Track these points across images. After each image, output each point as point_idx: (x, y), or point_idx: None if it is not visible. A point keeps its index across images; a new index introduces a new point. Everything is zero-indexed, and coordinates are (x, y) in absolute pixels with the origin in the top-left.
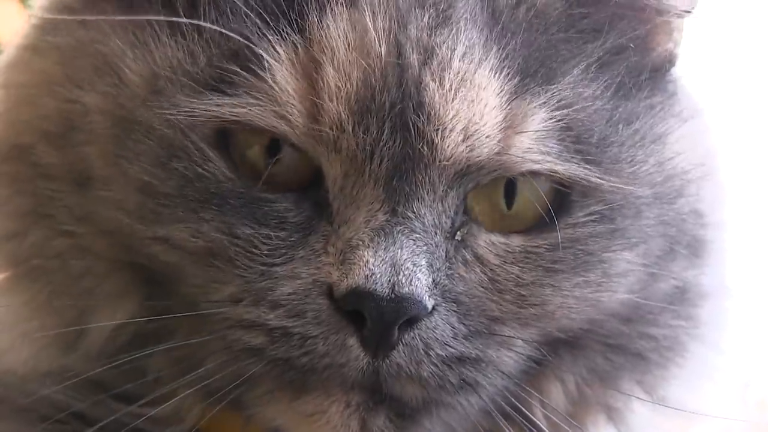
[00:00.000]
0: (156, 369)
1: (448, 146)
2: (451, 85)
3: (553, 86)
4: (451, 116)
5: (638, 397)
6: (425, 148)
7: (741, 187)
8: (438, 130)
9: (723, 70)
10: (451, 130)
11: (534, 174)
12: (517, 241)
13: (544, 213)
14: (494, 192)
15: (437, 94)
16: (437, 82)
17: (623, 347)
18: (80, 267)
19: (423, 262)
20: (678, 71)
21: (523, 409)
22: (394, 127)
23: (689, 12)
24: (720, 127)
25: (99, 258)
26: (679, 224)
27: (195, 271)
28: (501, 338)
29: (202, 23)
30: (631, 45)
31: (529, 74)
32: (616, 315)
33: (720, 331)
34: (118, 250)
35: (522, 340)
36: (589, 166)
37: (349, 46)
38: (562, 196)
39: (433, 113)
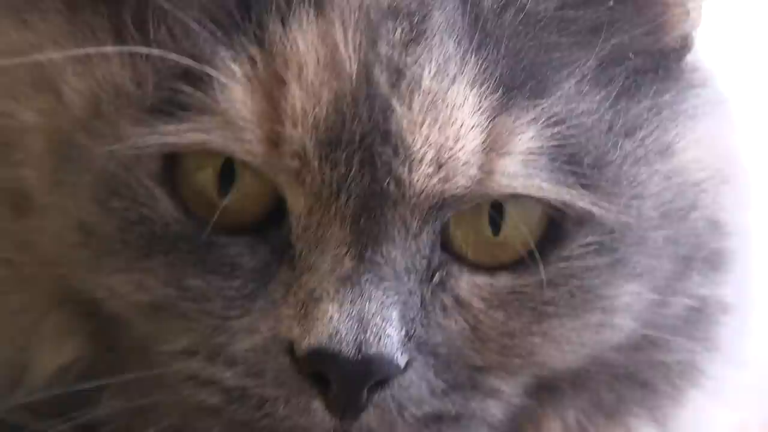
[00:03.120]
0: (109, 398)
1: (417, 180)
2: (420, 109)
3: (543, 100)
4: (419, 145)
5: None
6: (392, 185)
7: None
8: (405, 162)
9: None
10: (420, 161)
11: (522, 196)
12: (503, 280)
13: (535, 243)
14: (478, 216)
15: (405, 121)
16: (405, 107)
17: (631, 377)
18: (19, 301)
19: (394, 315)
20: (697, 54)
21: None
22: (363, 162)
23: None
24: (746, 118)
25: (40, 291)
26: (693, 240)
27: (143, 321)
28: (486, 389)
29: (131, 48)
30: (636, 40)
31: (516, 87)
32: (621, 347)
33: (743, 345)
34: (61, 283)
35: (511, 389)
36: (584, 191)
37: (319, 62)
38: (555, 225)
39: (399, 143)
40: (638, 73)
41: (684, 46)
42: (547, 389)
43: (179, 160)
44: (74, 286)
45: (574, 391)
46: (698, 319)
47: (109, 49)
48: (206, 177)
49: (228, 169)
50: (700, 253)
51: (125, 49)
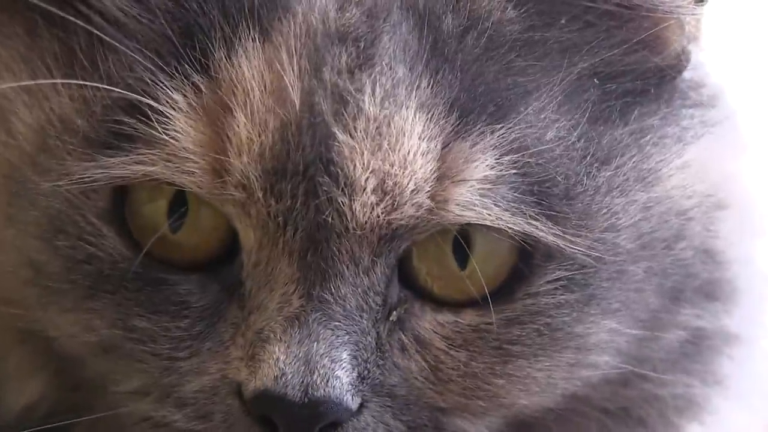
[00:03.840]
0: None
1: (359, 210)
2: (362, 136)
3: (502, 125)
4: (359, 173)
5: None
6: (334, 215)
7: None
8: (345, 191)
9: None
10: (361, 190)
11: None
12: (468, 318)
13: (501, 278)
14: (442, 248)
15: (345, 148)
16: (347, 134)
17: (622, 413)
18: None
19: (344, 356)
20: (702, 69)
21: None
22: (307, 193)
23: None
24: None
25: (1, 328)
26: (681, 271)
27: (95, 361)
28: (450, 431)
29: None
30: (615, 61)
31: (474, 111)
32: (604, 383)
33: (751, 380)
34: (20, 319)
35: (478, 430)
36: (550, 223)
37: (265, 89)
38: (523, 260)
39: (340, 172)
40: (616, 96)
41: (678, 62)
42: (527, 428)
43: (128, 194)
44: (32, 323)
45: (559, 428)
46: (695, 352)
47: (46, 82)
48: (156, 210)
49: (181, 203)
50: (692, 284)
51: (65, 82)
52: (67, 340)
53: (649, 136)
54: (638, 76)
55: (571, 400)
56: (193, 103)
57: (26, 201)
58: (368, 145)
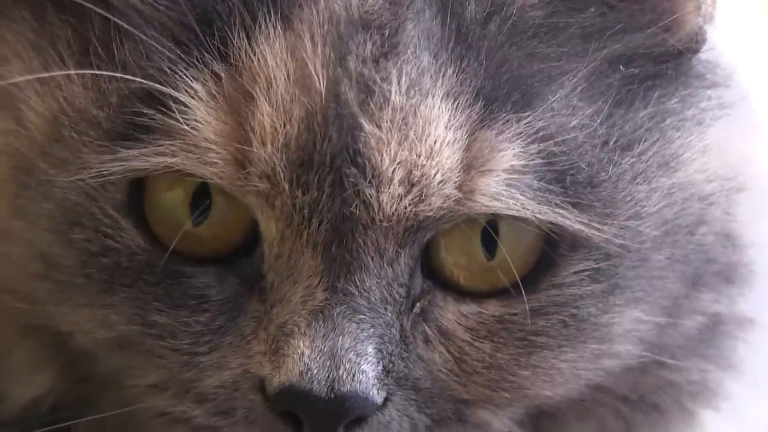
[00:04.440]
0: None
1: (386, 202)
2: (389, 126)
3: (528, 113)
4: (387, 164)
5: None
6: (360, 208)
7: None
8: (372, 183)
9: None
10: (389, 182)
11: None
12: (492, 309)
13: (527, 269)
14: (470, 239)
15: (372, 139)
16: (373, 125)
17: (639, 401)
18: None
19: (369, 350)
20: (716, 49)
21: None
22: (334, 184)
23: None
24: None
25: (7, 321)
26: (701, 256)
27: (110, 357)
28: (474, 423)
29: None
30: (636, 46)
31: (499, 100)
32: (625, 372)
33: (766, 364)
34: (27, 312)
35: (501, 422)
36: (576, 211)
37: (288, 77)
38: (548, 250)
39: (367, 163)
40: (638, 80)
41: (695, 43)
42: (547, 417)
43: (145, 186)
44: (40, 317)
45: (578, 418)
46: (711, 337)
47: (61, 73)
48: (176, 199)
49: (202, 196)
50: (711, 269)
51: (81, 72)
52: (82, 336)
53: (669, 120)
54: (657, 59)
55: (592, 390)
56: (214, 92)
57: (38, 193)
58: (395, 136)
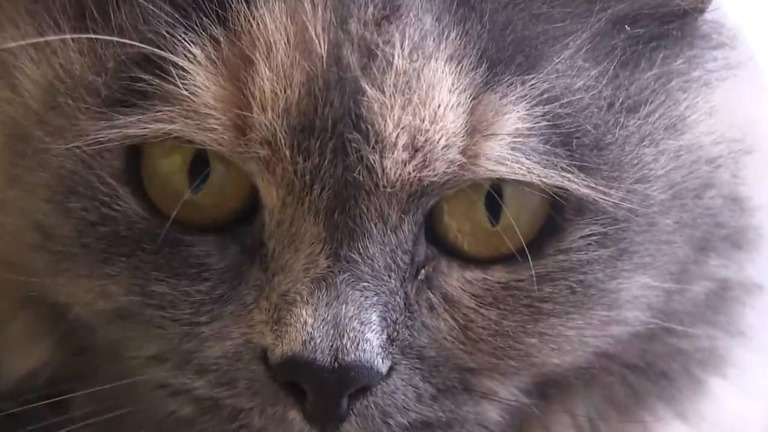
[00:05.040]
0: (80, 407)
1: (390, 167)
2: (392, 90)
3: (533, 75)
4: (390, 129)
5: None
6: (364, 173)
7: None
8: (376, 148)
9: None
10: (392, 146)
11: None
12: (497, 275)
13: (533, 233)
14: (474, 204)
15: (375, 104)
16: (376, 89)
17: (646, 368)
18: None
19: (374, 318)
20: (720, 9)
21: None
22: (336, 150)
23: None
24: None
25: (2, 293)
26: (709, 220)
27: (109, 328)
28: (479, 392)
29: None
30: (641, 5)
31: (503, 62)
32: (632, 338)
33: None
34: (24, 283)
35: (507, 390)
36: (582, 174)
37: (288, 42)
38: (554, 215)
39: (370, 128)
40: (643, 41)
41: (700, 3)
42: (554, 385)
43: (143, 154)
44: (37, 289)
45: (584, 387)
46: (719, 303)
47: (57, 38)
48: (173, 167)
49: (201, 164)
50: (719, 233)
51: (77, 36)
52: (80, 308)
53: (675, 81)
54: (662, 19)
55: (600, 358)
56: (213, 57)
57: (33, 162)
58: (398, 100)
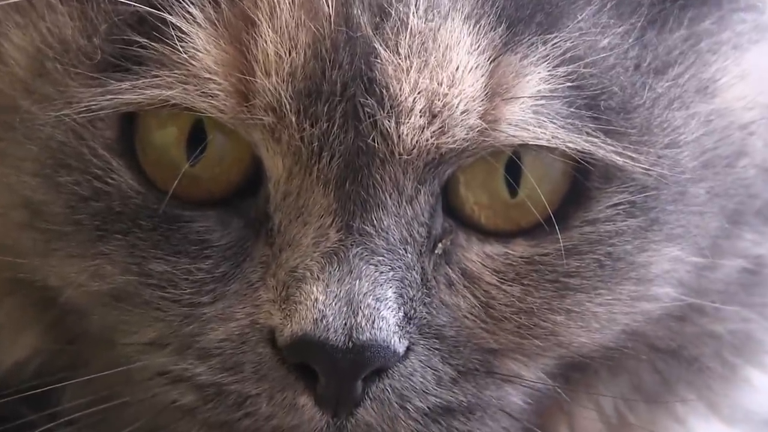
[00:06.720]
0: (70, 398)
1: (406, 134)
2: (407, 51)
3: (554, 34)
4: (407, 93)
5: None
6: (378, 140)
7: None
8: (392, 113)
9: None
10: (409, 112)
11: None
12: (519, 249)
13: (556, 204)
14: (492, 175)
15: (390, 66)
16: (390, 50)
17: (676, 354)
18: None
19: (389, 294)
20: None
21: None
22: (346, 115)
23: None
24: None
25: None
26: (742, 191)
27: (103, 312)
28: (502, 375)
29: None
30: None
31: (522, 21)
32: (662, 319)
33: None
34: (10, 266)
35: (532, 373)
36: (608, 139)
37: (293, 1)
38: (579, 183)
39: (385, 92)
40: None
41: None
42: (578, 370)
43: (137, 123)
44: (25, 272)
45: (611, 372)
46: (754, 283)
47: None
48: (169, 138)
49: (199, 133)
50: (753, 206)
51: None
52: (72, 291)
53: (704, 43)
54: None
55: (629, 338)
56: (213, 18)
57: (20, 134)
58: (414, 62)
